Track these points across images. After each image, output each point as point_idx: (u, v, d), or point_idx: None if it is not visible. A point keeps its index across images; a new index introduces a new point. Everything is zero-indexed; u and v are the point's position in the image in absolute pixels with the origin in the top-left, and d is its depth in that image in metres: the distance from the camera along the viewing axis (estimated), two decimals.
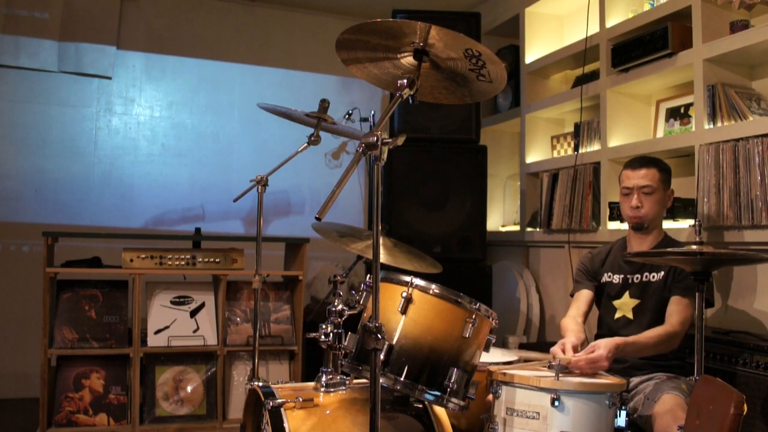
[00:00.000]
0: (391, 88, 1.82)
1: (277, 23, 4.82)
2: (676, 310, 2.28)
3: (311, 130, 2.57)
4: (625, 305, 2.45)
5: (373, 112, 4.37)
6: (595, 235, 3.46)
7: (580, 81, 3.66)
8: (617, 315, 2.46)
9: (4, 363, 4.05)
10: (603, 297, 2.54)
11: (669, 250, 2.14)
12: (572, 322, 2.43)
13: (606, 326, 2.50)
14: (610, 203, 3.33)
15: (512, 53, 4.35)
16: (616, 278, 2.50)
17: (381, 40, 1.66)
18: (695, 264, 1.96)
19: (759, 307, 2.66)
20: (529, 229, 4.09)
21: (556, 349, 2.14)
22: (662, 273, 2.39)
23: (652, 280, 2.40)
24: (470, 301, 1.93)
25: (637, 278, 2.45)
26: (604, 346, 2.04)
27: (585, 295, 2.56)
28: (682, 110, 3.23)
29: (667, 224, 2.88)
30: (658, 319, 2.33)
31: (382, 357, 1.82)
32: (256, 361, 2.57)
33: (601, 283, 2.55)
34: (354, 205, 4.92)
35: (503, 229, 4.52)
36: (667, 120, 3.30)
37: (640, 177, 2.45)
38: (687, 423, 1.82)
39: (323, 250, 4.10)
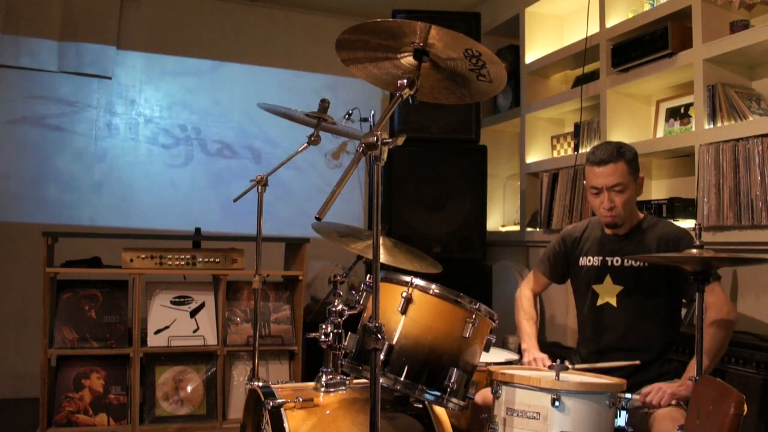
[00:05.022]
0: (391, 88, 1.82)
1: (277, 23, 4.81)
2: (713, 302, 2.17)
3: (311, 130, 2.57)
4: (607, 291, 2.35)
5: (373, 112, 4.37)
6: None
7: (580, 81, 3.66)
8: (600, 302, 2.37)
9: (4, 363, 4.05)
10: (581, 282, 2.44)
11: (670, 255, 2.13)
12: (527, 316, 2.51)
13: (589, 313, 2.40)
14: None
15: (512, 53, 4.35)
16: (595, 260, 2.40)
17: (381, 40, 1.66)
18: (695, 265, 1.96)
19: (759, 307, 2.66)
20: (529, 229, 4.09)
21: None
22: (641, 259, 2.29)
23: (634, 265, 2.31)
24: (470, 301, 1.93)
25: (617, 261, 2.35)
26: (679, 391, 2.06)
27: (543, 281, 2.59)
28: (682, 110, 3.23)
29: None
30: (647, 306, 2.28)
31: (382, 357, 1.82)
32: (256, 361, 2.57)
33: (579, 266, 2.45)
34: (354, 205, 4.92)
35: (503, 229, 4.52)
36: (667, 120, 3.31)
37: (608, 175, 2.26)
38: (687, 423, 1.82)
39: (323, 250, 4.09)
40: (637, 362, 2.21)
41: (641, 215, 2.40)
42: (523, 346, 2.44)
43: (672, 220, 2.93)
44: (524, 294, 2.61)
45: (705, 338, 2.10)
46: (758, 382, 2.30)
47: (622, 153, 2.28)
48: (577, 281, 2.48)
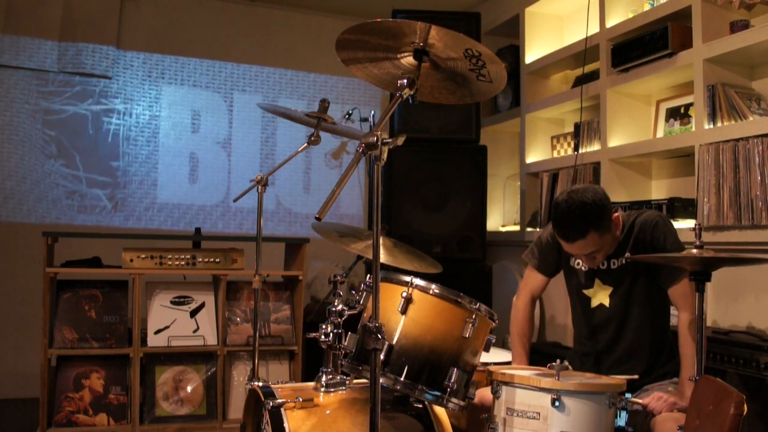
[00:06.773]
0: (391, 88, 1.82)
1: (277, 23, 4.82)
2: (686, 298, 2.19)
3: (311, 130, 2.57)
4: (598, 293, 2.34)
5: (373, 112, 4.37)
6: None
7: (580, 81, 3.66)
8: (594, 304, 2.36)
9: (4, 363, 4.05)
10: (572, 284, 2.42)
11: (670, 255, 2.13)
12: (521, 333, 2.43)
13: (583, 315, 2.39)
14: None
15: (512, 53, 4.35)
16: (583, 265, 2.36)
17: (381, 40, 1.66)
18: (695, 265, 1.96)
19: (759, 307, 2.66)
20: (529, 229, 4.09)
21: None
22: (627, 254, 2.27)
23: (621, 264, 2.29)
24: (470, 301, 1.93)
25: (602, 264, 2.32)
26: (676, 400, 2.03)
27: (540, 277, 2.48)
28: (682, 110, 3.23)
29: None
30: (638, 303, 2.28)
31: (382, 357, 1.82)
32: (256, 361, 2.57)
33: (569, 266, 2.42)
34: (354, 205, 4.92)
35: (503, 229, 4.52)
36: (667, 120, 3.31)
37: (579, 248, 2.19)
38: (687, 423, 1.82)
39: (323, 250, 4.10)
40: (636, 377, 2.20)
41: (620, 224, 2.30)
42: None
43: (672, 220, 2.93)
44: (521, 304, 2.51)
45: (687, 345, 2.12)
46: (758, 382, 2.30)
47: (589, 224, 2.12)
48: (569, 281, 2.47)
